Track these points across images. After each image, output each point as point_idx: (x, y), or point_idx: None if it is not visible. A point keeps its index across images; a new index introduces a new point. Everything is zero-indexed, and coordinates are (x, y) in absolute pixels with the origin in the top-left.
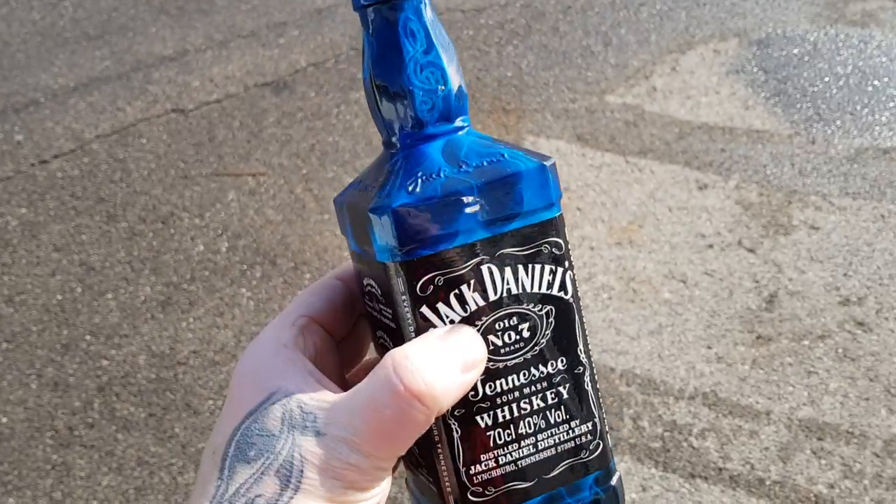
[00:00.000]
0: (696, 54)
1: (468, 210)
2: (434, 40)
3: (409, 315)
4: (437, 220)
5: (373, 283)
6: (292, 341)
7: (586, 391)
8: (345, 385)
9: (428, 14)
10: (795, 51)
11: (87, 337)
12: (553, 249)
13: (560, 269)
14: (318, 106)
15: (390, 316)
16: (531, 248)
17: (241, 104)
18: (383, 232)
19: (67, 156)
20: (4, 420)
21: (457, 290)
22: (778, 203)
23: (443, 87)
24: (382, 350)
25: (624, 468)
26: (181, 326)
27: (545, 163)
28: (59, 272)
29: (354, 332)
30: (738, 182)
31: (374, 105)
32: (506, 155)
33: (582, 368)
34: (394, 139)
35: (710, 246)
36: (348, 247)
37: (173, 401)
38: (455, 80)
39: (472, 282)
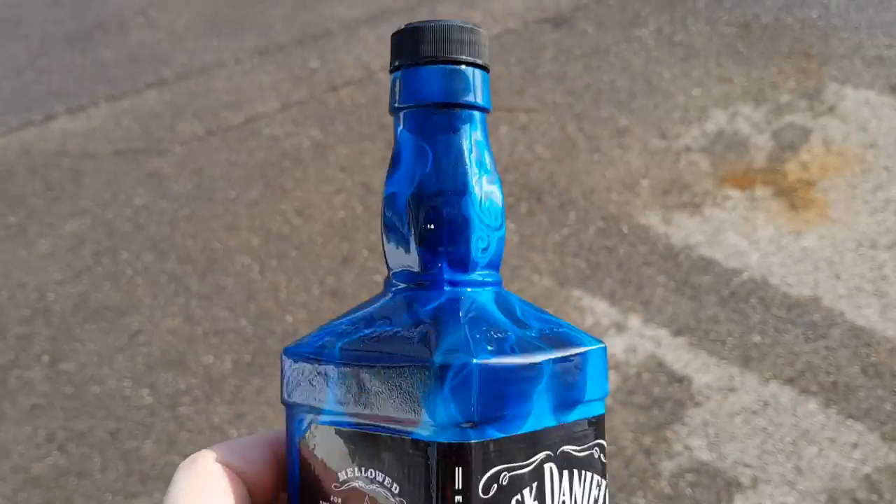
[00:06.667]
0: None
1: (541, 385)
2: (495, 169)
3: None
4: (512, 392)
5: (373, 474)
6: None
7: None
8: None
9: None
10: None
11: (365, 252)
12: (601, 455)
13: (604, 483)
14: (596, 43)
15: None
16: (586, 449)
17: (520, 39)
18: (450, 397)
19: (356, 84)
20: (290, 319)
21: (518, 496)
22: None
23: (498, 228)
24: None
25: None
26: None
27: (605, 345)
28: (343, 191)
29: None
30: None
31: (404, 225)
32: (563, 325)
33: None
34: (428, 273)
35: None
36: (301, 425)
37: None
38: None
39: (534, 486)
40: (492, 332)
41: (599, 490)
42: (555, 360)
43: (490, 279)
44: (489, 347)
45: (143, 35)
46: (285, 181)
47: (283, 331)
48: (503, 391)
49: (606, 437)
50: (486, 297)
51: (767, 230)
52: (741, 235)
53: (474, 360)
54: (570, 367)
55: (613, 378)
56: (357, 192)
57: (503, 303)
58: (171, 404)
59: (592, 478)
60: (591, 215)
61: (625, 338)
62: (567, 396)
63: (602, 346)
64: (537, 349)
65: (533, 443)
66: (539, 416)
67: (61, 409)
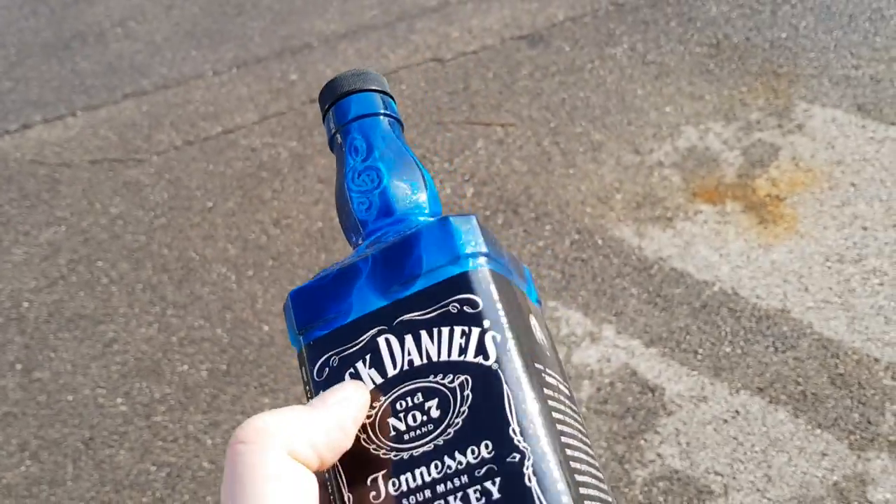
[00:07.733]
0: None
1: (361, 280)
2: (374, 148)
3: None
4: (330, 298)
5: None
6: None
7: (529, 489)
8: None
9: (382, 129)
10: None
11: None
12: (464, 307)
13: (476, 330)
14: (571, 60)
15: None
16: (435, 310)
17: (497, 56)
18: (288, 321)
19: None
20: (266, 329)
21: (351, 369)
22: None
23: (379, 185)
24: None
25: (881, 465)
26: None
27: (450, 217)
28: (321, 202)
29: None
30: None
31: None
32: (419, 219)
33: (518, 456)
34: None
35: None
36: None
37: None
38: (397, 174)
39: (367, 357)
40: (336, 265)
41: (468, 337)
42: (374, 256)
43: (381, 224)
44: (312, 277)
45: (122, 46)
46: (263, 191)
47: (259, 340)
48: (319, 302)
49: (484, 289)
50: (367, 242)
51: (738, 244)
52: (712, 249)
53: (291, 291)
54: (392, 256)
55: (587, 388)
56: (334, 203)
57: (381, 236)
58: (145, 413)
59: (452, 329)
60: (566, 228)
61: (598, 348)
62: (396, 277)
63: (436, 220)
64: (359, 256)
65: (361, 326)
66: (363, 304)
67: (34, 417)
